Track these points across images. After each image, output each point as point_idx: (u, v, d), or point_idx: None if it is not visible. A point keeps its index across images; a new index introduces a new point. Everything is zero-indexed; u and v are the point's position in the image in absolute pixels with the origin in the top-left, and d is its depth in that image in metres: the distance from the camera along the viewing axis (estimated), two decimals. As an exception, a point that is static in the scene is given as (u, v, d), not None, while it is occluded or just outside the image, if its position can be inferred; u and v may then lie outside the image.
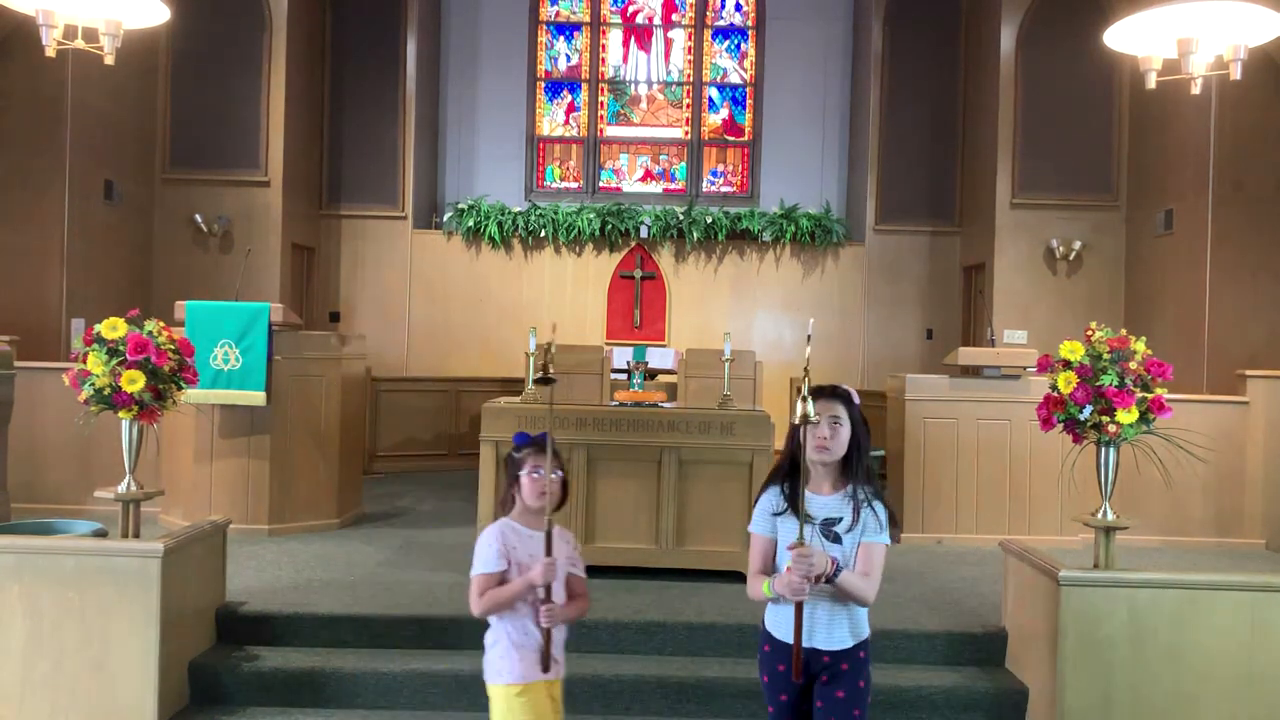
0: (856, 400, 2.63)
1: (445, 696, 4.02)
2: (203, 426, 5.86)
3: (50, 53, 5.67)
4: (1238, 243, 8.05)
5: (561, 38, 12.06)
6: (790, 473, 2.62)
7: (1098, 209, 9.87)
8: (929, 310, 11.08)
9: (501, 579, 2.83)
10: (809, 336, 2.89)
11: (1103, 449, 3.96)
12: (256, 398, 5.74)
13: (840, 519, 2.60)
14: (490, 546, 2.85)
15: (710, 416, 5.10)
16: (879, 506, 2.61)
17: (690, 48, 12.04)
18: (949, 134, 11.02)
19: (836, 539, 2.59)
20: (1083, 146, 9.84)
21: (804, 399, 2.52)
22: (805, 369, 2.58)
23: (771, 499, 2.67)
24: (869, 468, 2.64)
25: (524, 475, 2.84)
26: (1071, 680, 3.68)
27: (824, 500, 2.62)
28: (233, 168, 9.93)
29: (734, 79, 12.04)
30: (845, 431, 2.59)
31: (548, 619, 2.79)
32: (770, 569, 2.66)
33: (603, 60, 12.05)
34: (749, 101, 11.99)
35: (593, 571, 5.02)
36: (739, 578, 5.01)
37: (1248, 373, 6.79)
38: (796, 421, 2.54)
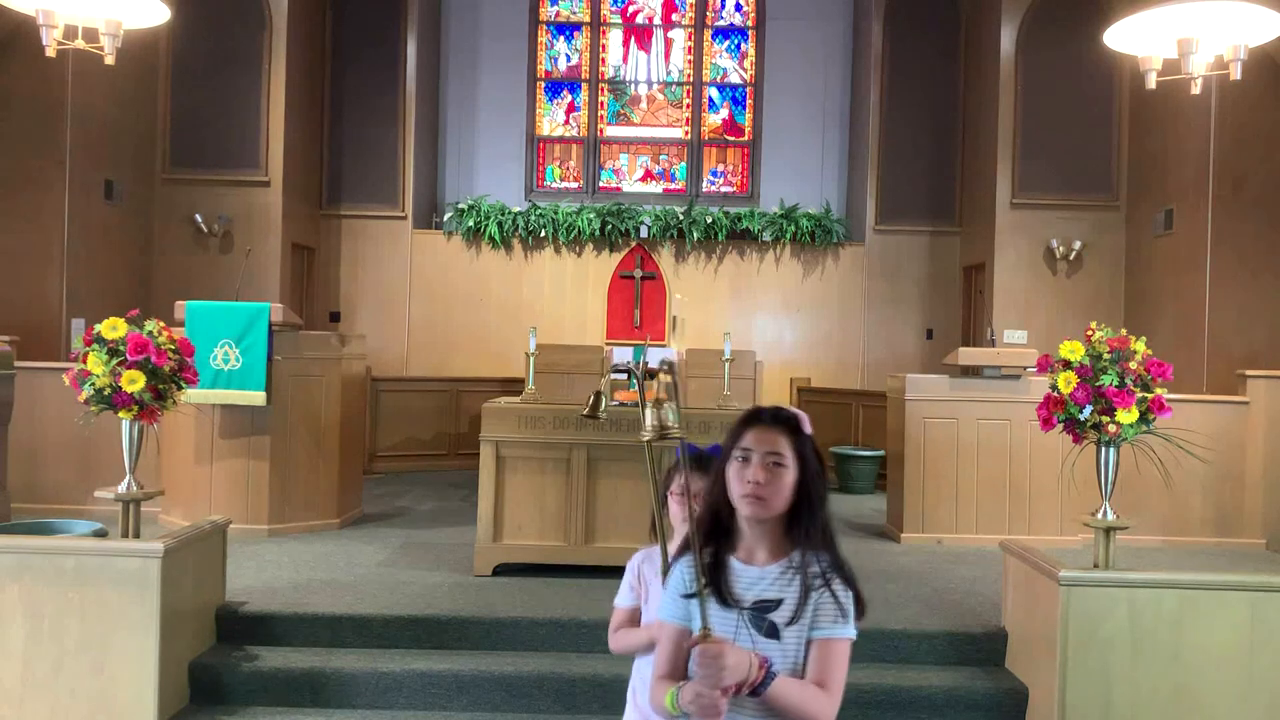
0: (808, 429, 1.87)
1: (445, 696, 4.02)
2: (203, 426, 5.86)
3: (50, 53, 5.67)
4: (1238, 242, 8.04)
5: (561, 38, 12.06)
6: (715, 532, 1.88)
7: (1098, 209, 9.87)
8: (929, 310, 11.08)
9: (636, 615, 2.50)
10: (676, 302, 2.62)
11: (1103, 449, 3.96)
12: (256, 398, 5.73)
13: (778, 602, 1.82)
14: (625, 577, 2.51)
15: (710, 416, 5.10)
16: (839, 586, 1.84)
17: (690, 48, 12.04)
18: (949, 134, 11.02)
19: (772, 631, 1.81)
20: (1083, 146, 9.85)
21: (655, 406, 1.82)
22: (647, 341, 1.99)
23: (685, 572, 1.87)
24: (826, 527, 1.86)
25: (670, 493, 2.41)
26: (1072, 680, 3.68)
27: (756, 574, 1.85)
28: (233, 168, 9.93)
29: (734, 79, 12.04)
30: (789, 476, 1.82)
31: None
32: (683, 671, 1.84)
33: (603, 60, 12.05)
34: (749, 101, 11.99)
35: (594, 571, 5.05)
36: (739, 578, 5.02)
37: (1248, 373, 6.79)
38: (646, 437, 1.85)
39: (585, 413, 2.32)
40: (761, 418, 1.87)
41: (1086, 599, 3.68)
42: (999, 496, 6.35)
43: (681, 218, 11.01)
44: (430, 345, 11.04)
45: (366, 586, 4.76)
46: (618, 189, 11.94)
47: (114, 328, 3.92)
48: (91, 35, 5.85)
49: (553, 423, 5.06)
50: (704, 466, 2.35)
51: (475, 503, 5.24)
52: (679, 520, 2.38)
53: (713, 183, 11.98)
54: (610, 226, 10.98)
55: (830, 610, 1.83)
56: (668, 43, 12.08)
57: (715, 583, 1.83)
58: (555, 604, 4.51)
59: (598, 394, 2.06)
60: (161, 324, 4.07)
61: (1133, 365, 3.86)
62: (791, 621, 1.81)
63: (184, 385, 4.08)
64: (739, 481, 1.82)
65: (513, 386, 8.88)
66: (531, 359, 5.49)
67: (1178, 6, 5.43)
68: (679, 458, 2.27)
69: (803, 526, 1.84)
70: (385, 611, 4.35)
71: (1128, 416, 3.80)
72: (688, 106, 12.02)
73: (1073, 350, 3.91)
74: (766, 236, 11.09)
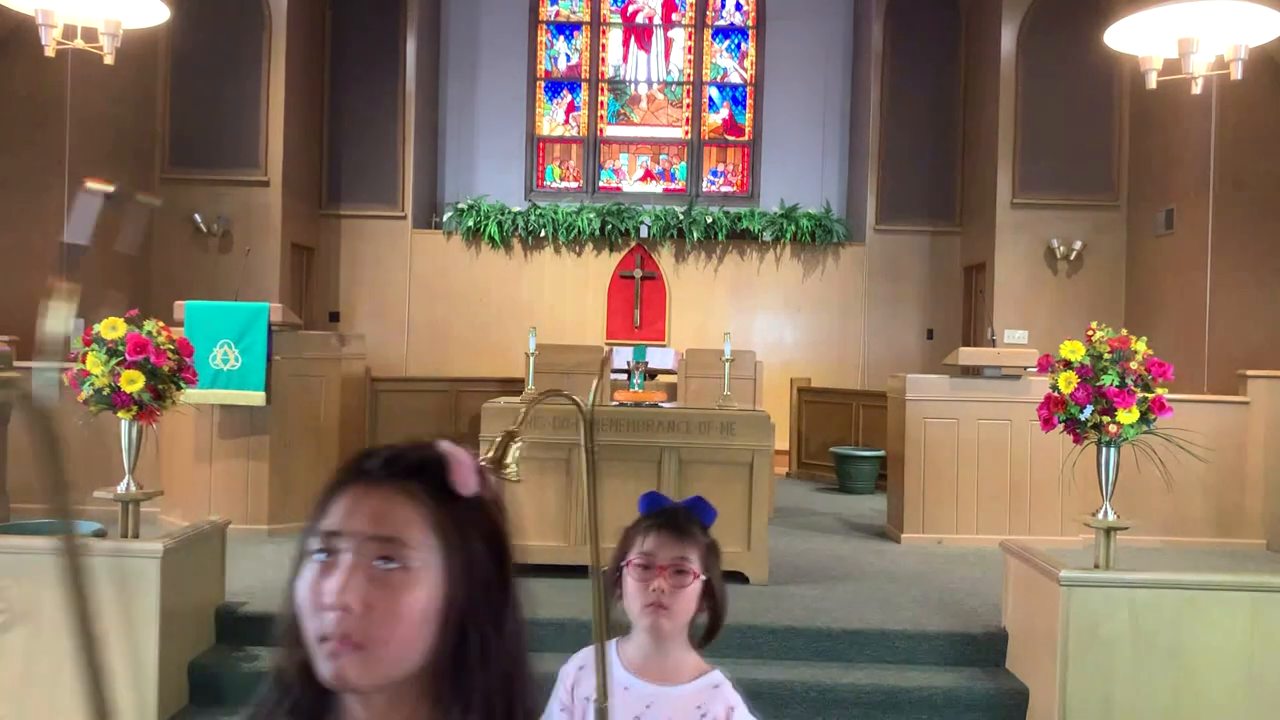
0: (468, 485, 0.90)
1: (445, 697, 4.01)
2: (202, 426, 5.86)
3: (50, 53, 5.67)
4: (1238, 242, 8.04)
5: (561, 37, 12.06)
6: (302, 703, 0.91)
7: (1098, 209, 9.87)
8: (929, 310, 11.07)
9: None
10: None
11: (1103, 449, 3.96)
12: (256, 398, 5.73)
13: None
14: (554, 691, 1.89)
15: (710, 416, 5.10)
16: None
17: (690, 47, 12.03)
18: (949, 133, 11.02)
19: None
20: (1083, 146, 9.85)
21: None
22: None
23: None
24: (511, 687, 0.90)
25: (627, 568, 1.79)
26: (1072, 681, 3.67)
27: None
28: (232, 167, 9.92)
29: (734, 79, 12.04)
30: (418, 591, 0.86)
31: None
32: None
33: (603, 60, 12.04)
34: (749, 101, 11.99)
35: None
36: (739, 578, 5.02)
37: (1248, 373, 6.79)
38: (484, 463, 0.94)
39: (490, 456, 1.42)
40: (364, 470, 0.92)
41: (1087, 599, 3.68)
42: (999, 497, 6.35)
43: (681, 217, 11.01)
44: (430, 345, 11.04)
45: (366, 587, 4.76)
46: (618, 189, 11.94)
47: (113, 328, 3.92)
48: (91, 35, 5.85)
49: (552, 423, 5.05)
50: (677, 528, 1.78)
51: (475, 503, 5.22)
52: (638, 607, 1.75)
53: (713, 182, 11.98)
54: (610, 226, 10.98)
55: None
56: (668, 42, 12.08)
57: None
58: (555, 604, 4.51)
59: (509, 435, 1.36)
60: (161, 324, 4.07)
61: (1133, 365, 3.86)
62: None
63: (183, 385, 4.08)
64: (312, 608, 0.90)
65: (513, 386, 8.87)
66: (531, 359, 5.49)
67: (1178, 6, 5.43)
68: (641, 510, 1.75)
69: (457, 693, 0.88)
70: (385, 612, 4.34)
71: (1128, 416, 3.80)
72: (688, 106, 12.02)
73: (1073, 350, 3.91)
74: (767, 236, 11.08)
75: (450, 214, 11.23)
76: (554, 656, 4.28)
